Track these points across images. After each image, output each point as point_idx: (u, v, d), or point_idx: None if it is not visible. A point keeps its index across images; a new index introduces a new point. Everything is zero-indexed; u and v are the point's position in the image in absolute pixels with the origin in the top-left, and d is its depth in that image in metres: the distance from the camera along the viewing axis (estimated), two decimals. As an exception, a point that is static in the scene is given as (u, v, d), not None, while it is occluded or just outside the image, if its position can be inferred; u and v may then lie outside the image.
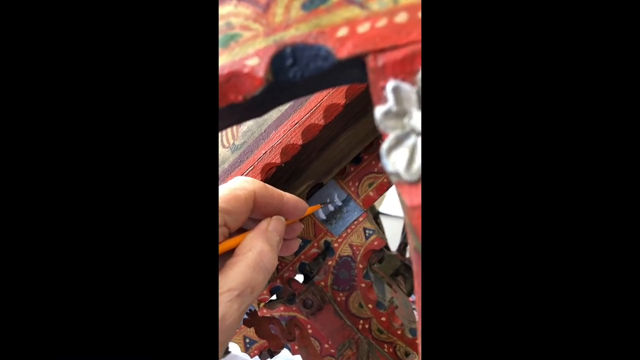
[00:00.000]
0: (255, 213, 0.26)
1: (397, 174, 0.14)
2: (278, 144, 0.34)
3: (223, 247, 0.22)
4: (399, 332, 0.40)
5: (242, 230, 0.26)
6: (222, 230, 0.22)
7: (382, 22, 0.14)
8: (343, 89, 0.32)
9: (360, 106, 0.35)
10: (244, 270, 0.20)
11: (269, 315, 0.40)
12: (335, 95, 0.32)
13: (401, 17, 0.14)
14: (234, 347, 0.43)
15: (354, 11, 0.15)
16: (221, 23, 0.16)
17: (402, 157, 0.14)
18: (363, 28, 0.14)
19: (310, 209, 0.32)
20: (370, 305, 0.40)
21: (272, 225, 0.24)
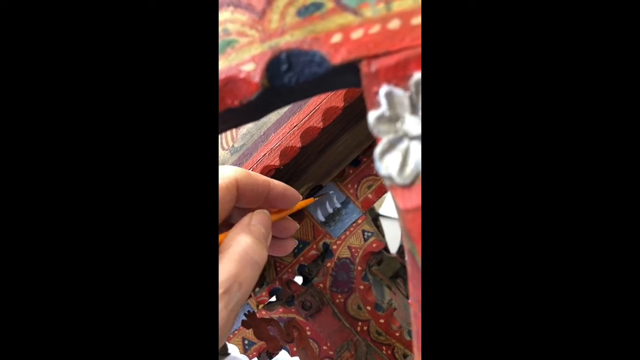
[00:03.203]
0: (240, 202, 0.25)
1: (390, 178, 0.14)
2: (277, 146, 0.34)
3: None
4: (397, 334, 0.40)
5: (229, 225, 0.25)
6: None
7: (375, 29, 0.15)
8: (342, 91, 0.32)
9: (359, 109, 0.35)
10: (228, 266, 0.19)
11: (267, 317, 0.40)
12: (334, 98, 0.33)
13: (394, 24, 0.14)
14: (233, 349, 0.43)
15: (347, 18, 0.15)
16: (218, 29, 0.16)
17: (395, 161, 0.14)
18: (357, 34, 0.15)
19: (302, 203, 0.31)
20: (368, 308, 0.40)
21: (255, 219, 0.23)
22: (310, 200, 0.34)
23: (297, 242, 0.29)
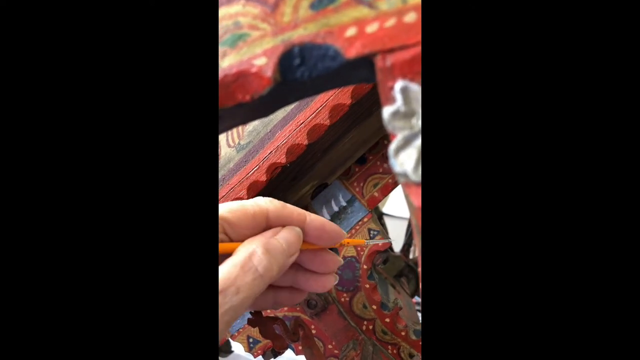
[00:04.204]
0: None
1: (405, 175, 0.14)
2: (283, 143, 0.34)
3: (220, 249, 0.22)
4: (403, 333, 0.40)
5: None
6: (220, 237, 0.22)
7: (390, 22, 0.14)
8: (349, 89, 0.32)
9: (366, 106, 0.35)
10: (229, 269, 0.19)
11: (272, 315, 0.40)
12: (341, 96, 0.32)
13: (410, 17, 0.14)
14: (238, 347, 0.43)
15: (362, 11, 0.15)
16: (229, 22, 0.16)
17: (410, 158, 0.14)
18: (372, 28, 0.14)
19: (351, 241, 0.27)
20: (374, 307, 0.40)
21: (282, 234, 0.22)
22: (361, 241, 0.30)
23: (338, 278, 0.26)
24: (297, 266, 0.24)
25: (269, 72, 0.15)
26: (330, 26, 0.15)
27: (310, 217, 0.23)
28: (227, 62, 0.16)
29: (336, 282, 0.26)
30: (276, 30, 0.15)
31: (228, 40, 0.16)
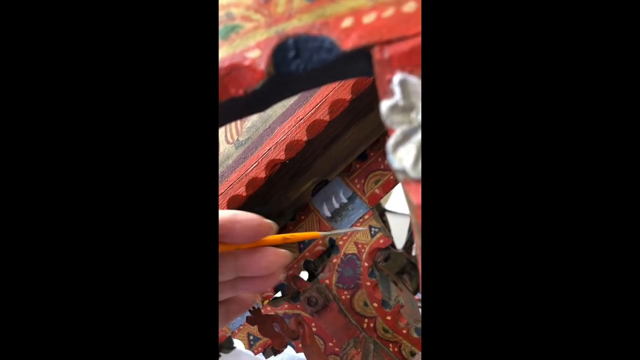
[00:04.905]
0: None
1: (403, 171, 0.14)
2: (283, 140, 0.33)
3: None
4: (404, 331, 0.39)
5: None
6: None
7: (389, 12, 0.14)
8: (349, 83, 0.31)
9: (367, 102, 0.34)
10: None
11: (272, 312, 0.39)
12: (341, 91, 0.32)
13: (409, 7, 0.13)
14: (239, 344, 0.42)
15: (359, 0, 0.14)
16: (221, 13, 0.16)
17: (409, 154, 0.13)
18: (369, 18, 0.14)
19: (300, 235, 0.22)
20: (375, 304, 0.39)
21: None
22: (314, 234, 0.22)
23: (283, 276, 0.21)
24: (235, 276, 0.20)
25: (262, 65, 0.15)
26: (325, 17, 0.14)
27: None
28: (220, 54, 0.15)
29: (283, 277, 0.21)
30: (270, 21, 0.15)
31: (221, 32, 0.16)
